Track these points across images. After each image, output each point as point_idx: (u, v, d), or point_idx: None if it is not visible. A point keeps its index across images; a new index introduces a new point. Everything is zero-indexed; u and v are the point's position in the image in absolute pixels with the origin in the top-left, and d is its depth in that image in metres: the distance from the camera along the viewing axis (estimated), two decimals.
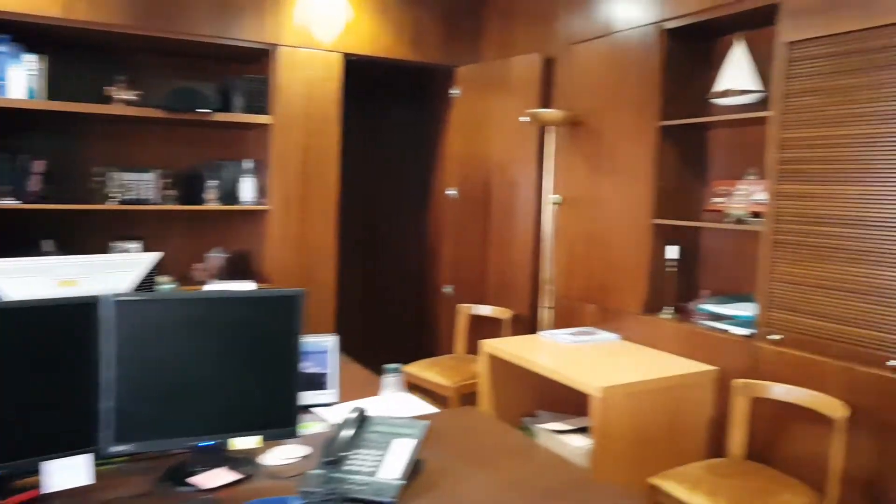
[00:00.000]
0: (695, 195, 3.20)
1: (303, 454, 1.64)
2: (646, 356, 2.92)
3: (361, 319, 5.16)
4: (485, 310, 3.87)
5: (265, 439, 1.60)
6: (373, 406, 1.95)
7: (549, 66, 3.74)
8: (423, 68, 4.35)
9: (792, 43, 2.48)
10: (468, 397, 3.38)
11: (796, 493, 2.22)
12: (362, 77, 4.78)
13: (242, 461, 1.58)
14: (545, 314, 3.62)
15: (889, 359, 2.20)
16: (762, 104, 2.79)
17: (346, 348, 4.56)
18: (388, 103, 5.18)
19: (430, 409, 1.99)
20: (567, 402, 3.21)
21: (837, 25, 2.33)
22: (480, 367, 3.18)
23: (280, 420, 1.58)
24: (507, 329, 3.71)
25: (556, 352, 2.98)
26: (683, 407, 2.70)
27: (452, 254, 4.33)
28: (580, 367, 2.72)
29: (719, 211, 3.02)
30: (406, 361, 3.67)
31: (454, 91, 4.27)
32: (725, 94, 2.89)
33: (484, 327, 3.91)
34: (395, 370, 1.96)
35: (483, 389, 3.18)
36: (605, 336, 3.24)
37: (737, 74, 2.84)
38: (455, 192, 4.29)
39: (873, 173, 2.25)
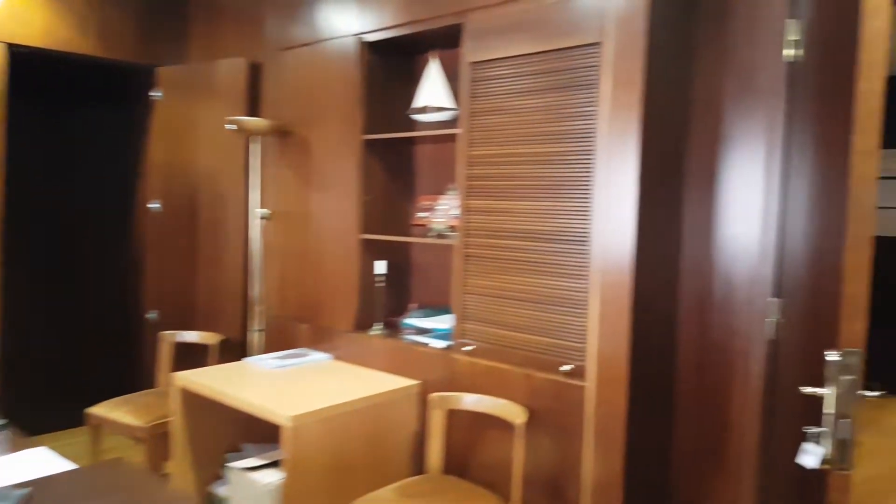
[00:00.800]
0: (404, 210, 3.21)
1: None
2: (353, 376, 2.83)
3: (52, 356, 4.44)
4: (191, 336, 3.51)
5: None
6: None
7: (256, 71, 3.53)
8: (118, 67, 3.87)
9: (474, 63, 2.56)
10: (166, 437, 3.01)
11: (484, 503, 2.26)
12: (45, 73, 4.14)
13: None
14: (255, 337, 3.38)
15: (563, 364, 2.33)
16: (456, 121, 2.87)
17: (28, 393, 3.91)
18: (80, 104, 4.54)
19: (65, 465, 1.65)
20: (275, 432, 3.00)
21: (511, 48, 2.44)
22: (172, 402, 2.84)
23: None
24: (214, 356, 3.40)
25: (258, 379, 2.76)
26: (388, 426, 2.64)
27: (157, 275, 3.89)
28: (280, 394, 2.54)
29: (424, 225, 3.05)
30: (107, 399, 3.20)
31: (155, 93, 3.86)
32: (424, 110, 2.93)
33: (193, 355, 3.55)
34: None
35: (176, 428, 2.84)
36: (316, 357, 3.09)
37: (433, 91, 2.88)
38: (158, 206, 3.87)
39: (544, 189, 2.39)
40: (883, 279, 6.03)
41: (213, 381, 2.70)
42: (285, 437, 2.29)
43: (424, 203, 3.09)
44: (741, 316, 2.28)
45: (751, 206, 2.25)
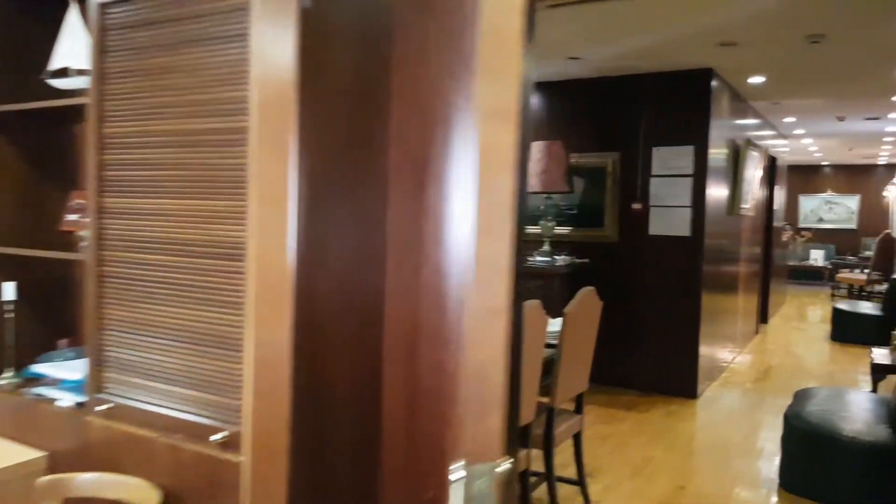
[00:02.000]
0: (57, 211, 2.37)
1: None
2: None
3: None
4: None
5: None
6: None
7: None
8: None
9: (104, 5, 1.81)
10: None
11: None
12: None
13: None
14: None
15: (217, 431, 1.65)
16: None
17: None
18: None
19: None
20: None
21: None
22: None
23: None
24: None
25: None
26: None
27: None
28: None
29: (73, 232, 2.24)
30: None
31: None
32: (65, 73, 2.13)
33: None
34: None
35: None
36: None
37: (73, 49, 2.09)
38: None
39: (194, 183, 1.69)
40: (675, 274, 6.02)
41: None
42: None
43: (77, 202, 2.28)
44: (454, 351, 1.72)
45: (471, 206, 1.70)
